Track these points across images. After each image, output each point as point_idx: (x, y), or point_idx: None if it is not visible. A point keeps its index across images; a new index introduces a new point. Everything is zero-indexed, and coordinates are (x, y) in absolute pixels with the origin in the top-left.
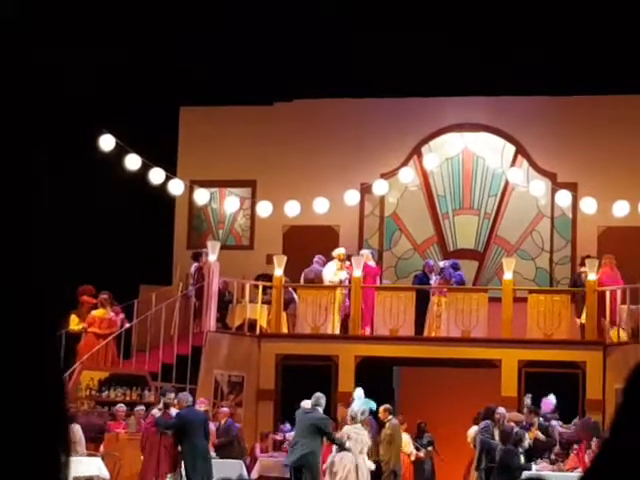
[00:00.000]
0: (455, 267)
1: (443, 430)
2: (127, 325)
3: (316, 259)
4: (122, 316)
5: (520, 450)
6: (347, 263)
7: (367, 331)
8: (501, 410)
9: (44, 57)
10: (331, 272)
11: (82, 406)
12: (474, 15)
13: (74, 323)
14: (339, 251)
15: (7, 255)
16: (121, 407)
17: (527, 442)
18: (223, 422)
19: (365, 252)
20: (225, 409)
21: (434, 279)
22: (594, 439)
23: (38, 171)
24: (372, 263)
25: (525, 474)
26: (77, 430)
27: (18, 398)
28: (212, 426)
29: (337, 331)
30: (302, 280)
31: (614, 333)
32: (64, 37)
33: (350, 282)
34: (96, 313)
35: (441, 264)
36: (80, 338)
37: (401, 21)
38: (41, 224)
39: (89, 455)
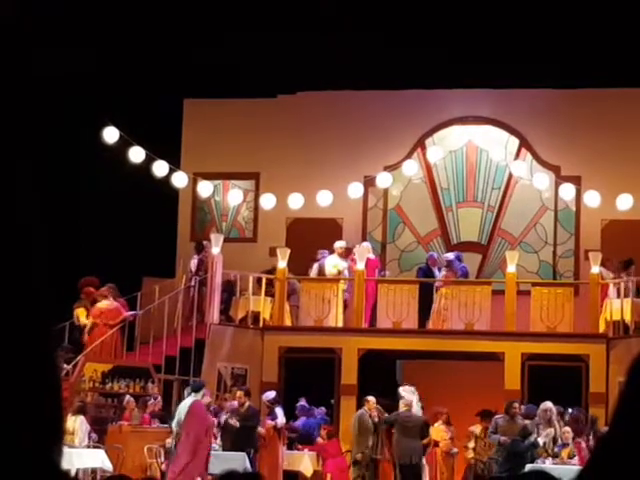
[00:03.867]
0: (459, 259)
1: None
2: (140, 312)
3: (323, 254)
4: (131, 313)
5: (527, 442)
6: (351, 253)
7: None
8: (542, 405)
9: (47, 54)
10: (330, 264)
11: (86, 398)
12: (478, 8)
13: (83, 316)
14: (339, 244)
15: (5, 255)
16: (130, 399)
17: (534, 436)
18: (247, 406)
19: (365, 244)
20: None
21: (442, 272)
22: (591, 433)
23: (24, 178)
24: (371, 255)
25: (528, 467)
26: (81, 422)
27: (11, 388)
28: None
29: (340, 324)
30: (314, 273)
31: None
32: (67, 30)
33: (350, 274)
34: (101, 305)
35: (449, 256)
36: (89, 330)
37: (405, 14)
38: (31, 225)
39: (94, 447)
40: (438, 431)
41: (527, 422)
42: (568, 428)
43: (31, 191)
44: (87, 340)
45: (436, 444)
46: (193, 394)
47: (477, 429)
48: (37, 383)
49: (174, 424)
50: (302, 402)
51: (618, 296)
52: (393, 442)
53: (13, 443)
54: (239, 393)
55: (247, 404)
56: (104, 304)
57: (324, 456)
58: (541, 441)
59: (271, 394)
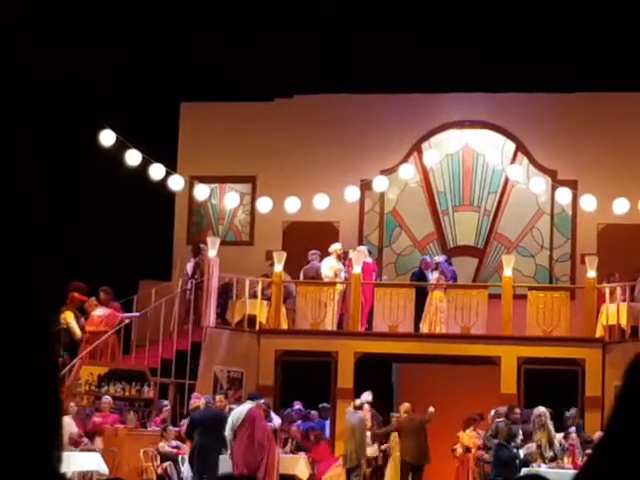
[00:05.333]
0: (448, 262)
1: (442, 427)
2: (137, 314)
3: (314, 255)
4: (128, 315)
5: (512, 445)
6: (344, 262)
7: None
8: (535, 410)
9: (46, 55)
10: (327, 267)
11: (81, 401)
12: (475, 12)
13: (71, 318)
14: (336, 247)
15: (4, 253)
16: (107, 399)
17: (520, 438)
18: (228, 409)
19: (362, 248)
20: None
21: (433, 275)
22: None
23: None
24: (369, 260)
25: (524, 471)
26: (65, 424)
27: (12, 393)
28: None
29: (336, 327)
30: (302, 277)
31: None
32: (65, 34)
33: (348, 279)
34: (98, 313)
35: (437, 259)
36: (87, 338)
37: (402, 17)
38: (37, 223)
39: (88, 450)
40: (470, 437)
41: (512, 426)
42: (574, 435)
43: (31, 160)
44: (84, 347)
45: (468, 450)
46: (249, 402)
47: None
48: (37, 386)
49: (227, 431)
50: (298, 405)
51: (623, 301)
52: (403, 445)
53: (12, 446)
54: (218, 397)
55: (228, 407)
56: (100, 312)
57: (315, 459)
58: (522, 453)
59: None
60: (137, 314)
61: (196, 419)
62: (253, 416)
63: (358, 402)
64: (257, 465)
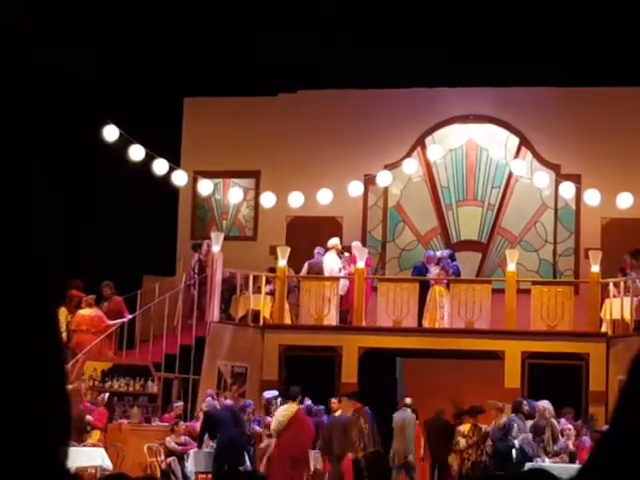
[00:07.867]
0: (452, 257)
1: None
2: (129, 317)
3: (317, 251)
4: (116, 321)
5: (510, 439)
6: (346, 254)
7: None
8: (540, 404)
9: (49, 51)
10: (330, 262)
11: (85, 397)
12: (479, 6)
13: (63, 316)
14: (335, 241)
15: (10, 241)
16: (102, 396)
17: (515, 432)
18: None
19: (356, 244)
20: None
21: (433, 269)
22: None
23: (35, 166)
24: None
25: (528, 465)
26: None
27: (18, 387)
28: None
29: (339, 322)
30: (304, 271)
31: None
32: (69, 29)
33: (346, 273)
34: (83, 312)
35: (438, 254)
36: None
37: (406, 12)
38: (41, 214)
39: (93, 445)
40: None
41: (505, 420)
42: (570, 426)
43: (46, 191)
44: (73, 345)
45: None
46: (290, 401)
47: (465, 427)
48: (43, 380)
49: (274, 430)
50: (307, 402)
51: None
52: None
53: (18, 441)
54: (207, 399)
55: (219, 405)
56: (87, 311)
57: None
58: (517, 443)
59: (271, 393)
60: (126, 319)
61: (213, 416)
62: (303, 417)
63: (408, 400)
64: (306, 463)
